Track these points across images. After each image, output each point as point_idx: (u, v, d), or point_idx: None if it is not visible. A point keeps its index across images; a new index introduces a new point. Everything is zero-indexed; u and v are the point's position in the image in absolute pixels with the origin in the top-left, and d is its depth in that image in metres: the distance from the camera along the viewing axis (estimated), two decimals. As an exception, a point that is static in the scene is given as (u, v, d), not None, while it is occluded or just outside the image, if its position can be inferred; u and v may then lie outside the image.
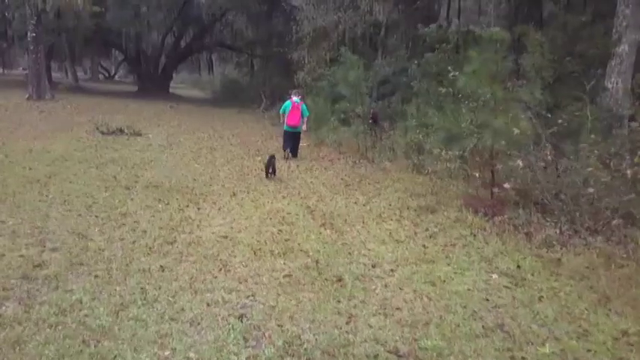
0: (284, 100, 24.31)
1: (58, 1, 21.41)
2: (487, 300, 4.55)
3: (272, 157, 9.56)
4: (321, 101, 14.24)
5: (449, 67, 8.00)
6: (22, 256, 4.96)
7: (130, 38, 31.55)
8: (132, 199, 7.32)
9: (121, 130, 13.46)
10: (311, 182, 9.37)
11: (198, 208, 7.13)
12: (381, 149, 11.67)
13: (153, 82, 33.50)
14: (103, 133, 13.08)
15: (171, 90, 36.29)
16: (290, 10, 30.28)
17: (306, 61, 19.04)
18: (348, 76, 12.21)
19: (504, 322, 4.12)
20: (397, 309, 4.29)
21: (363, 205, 7.84)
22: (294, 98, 12.33)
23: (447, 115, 8.39)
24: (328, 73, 15.65)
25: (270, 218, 6.89)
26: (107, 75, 53.38)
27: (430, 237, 6.36)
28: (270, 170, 9.47)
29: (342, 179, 9.74)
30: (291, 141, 12.03)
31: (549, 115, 7.87)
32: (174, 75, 39.91)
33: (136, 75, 38.40)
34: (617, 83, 11.79)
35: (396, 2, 18.73)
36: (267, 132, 17.06)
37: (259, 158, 11.57)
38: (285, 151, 11.86)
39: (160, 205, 7.14)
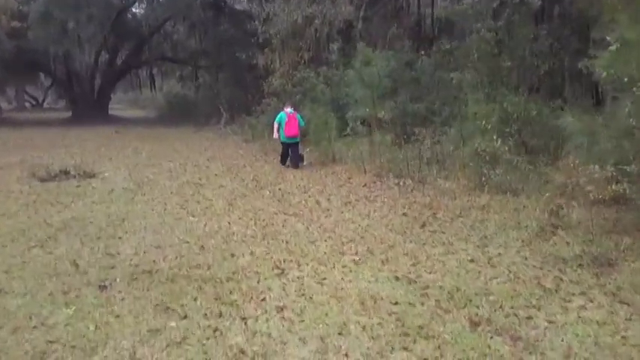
0: (245, 112, 21.32)
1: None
2: None
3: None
4: (320, 109, 11.07)
5: (607, 37, 5.06)
6: None
7: (59, 58, 26.90)
8: (117, 316, 3.91)
9: (67, 172, 9.72)
10: (368, 226, 6.24)
11: (244, 320, 3.82)
12: (422, 163, 8.66)
13: (88, 105, 28.89)
14: (42, 180, 9.29)
15: (110, 112, 31.79)
16: (237, 14, 26.98)
17: (278, 65, 15.75)
18: (364, 74, 9.16)
19: None
20: None
21: (490, 266, 4.81)
22: (288, 109, 10.59)
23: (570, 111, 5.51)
24: (327, 74, 12.50)
25: (381, 323, 3.72)
26: (35, 102, 47.37)
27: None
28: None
29: (404, 214, 6.67)
30: (290, 151, 10.71)
31: None
32: (111, 95, 35.19)
33: (69, 99, 33.40)
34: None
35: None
36: (245, 151, 13.71)
37: (267, 192, 8.30)
38: (282, 161, 10.93)
39: (174, 324, 3.78)
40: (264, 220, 6.67)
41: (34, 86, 44.89)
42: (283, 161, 10.92)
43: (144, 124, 26.08)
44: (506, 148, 7.10)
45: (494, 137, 7.09)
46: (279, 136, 10.73)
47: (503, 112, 7.41)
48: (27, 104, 45.49)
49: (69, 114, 30.67)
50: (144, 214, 7.03)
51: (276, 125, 10.70)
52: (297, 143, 10.77)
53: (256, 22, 16.63)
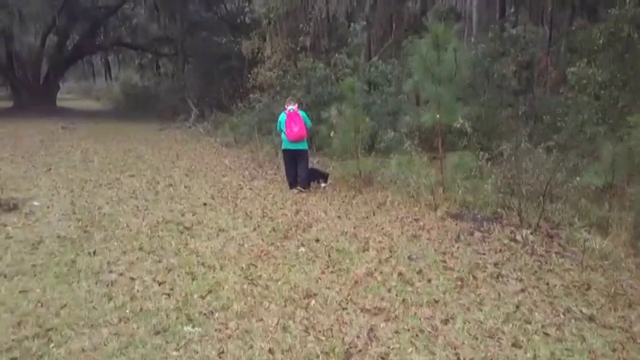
0: (218, 108, 17.64)
1: None
2: None
3: None
4: (348, 111, 7.68)
5: None
6: None
7: (-4, 38, 22.18)
8: None
9: (-30, 202, 5.98)
10: (553, 357, 3.01)
11: None
12: (543, 201, 5.47)
13: (33, 94, 24.25)
14: None
15: (58, 103, 27.11)
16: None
17: (270, 53, 12.26)
18: (433, 61, 5.90)
19: None
20: None
21: None
22: (289, 107, 7.33)
23: None
24: (349, 64, 9.07)
25: None
26: (-26, 90, 41.21)
27: None
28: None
29: (591, 318, 3.47)
30: (295, 164, 7.37)
31: None
32: (60, 84, 30.33)
33: (10, 86, 28.39)
34: None
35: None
36: (231, 161, 10.18)
37: (301, 247, 4.91)
38: (291, 184, 7.46)
39: None
40: (330, 331, 3.29)
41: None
42: (292, 184, 7.49)
43: (97, 118, 21.81)
44: None
45: None
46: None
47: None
48: (-36, 91, 39.44)
49: (10, 104, 25.83)
50: (90, 315, 3.48)
51: (281, 134, 7.53)
52: (303, 151, 7.33)
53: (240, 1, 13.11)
